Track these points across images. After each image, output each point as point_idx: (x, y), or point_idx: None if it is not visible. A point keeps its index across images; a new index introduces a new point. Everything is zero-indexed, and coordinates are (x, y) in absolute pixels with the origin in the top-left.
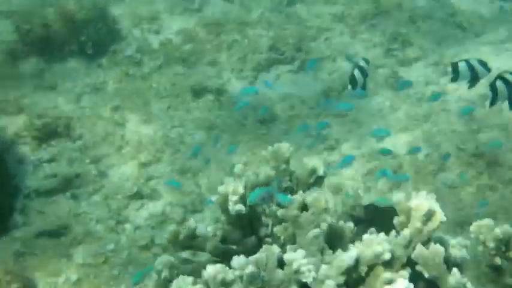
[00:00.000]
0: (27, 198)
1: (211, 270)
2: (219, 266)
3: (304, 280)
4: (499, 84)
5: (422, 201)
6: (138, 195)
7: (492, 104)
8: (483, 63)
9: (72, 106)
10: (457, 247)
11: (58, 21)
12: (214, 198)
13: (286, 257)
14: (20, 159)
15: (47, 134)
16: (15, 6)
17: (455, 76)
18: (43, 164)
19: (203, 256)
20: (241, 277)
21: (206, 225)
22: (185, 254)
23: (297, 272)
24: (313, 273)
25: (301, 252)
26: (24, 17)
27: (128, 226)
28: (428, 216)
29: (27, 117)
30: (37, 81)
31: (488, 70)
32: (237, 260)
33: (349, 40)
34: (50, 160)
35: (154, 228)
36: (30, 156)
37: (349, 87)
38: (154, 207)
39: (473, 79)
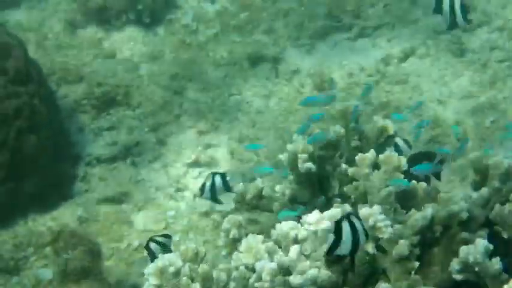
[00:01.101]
0: (88, 166)
1: (284, 226)
2: (291, 222)
3: (380, 236)
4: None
5: (500, 159)
6: (196, 163)
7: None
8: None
9: (131, 75)
10: None
11: None
12: (282, 156)
13: (362, 212)
14: (81, 127)
15: (107, 102)
16: None
17: None
18: (103, 132)
19: (270, 217)
20: (315, 233)
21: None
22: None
23: (373, 227)
24: (390, 229)
25: (377, 208)
26: None
27: (187, 194)
28: (507, 175)
29: (87, 85)
30: (96, 50)
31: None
32: (313, 215)
33: (408, 6)
34: (110, 128)
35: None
36: (91, 124)
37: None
38: None
39: None
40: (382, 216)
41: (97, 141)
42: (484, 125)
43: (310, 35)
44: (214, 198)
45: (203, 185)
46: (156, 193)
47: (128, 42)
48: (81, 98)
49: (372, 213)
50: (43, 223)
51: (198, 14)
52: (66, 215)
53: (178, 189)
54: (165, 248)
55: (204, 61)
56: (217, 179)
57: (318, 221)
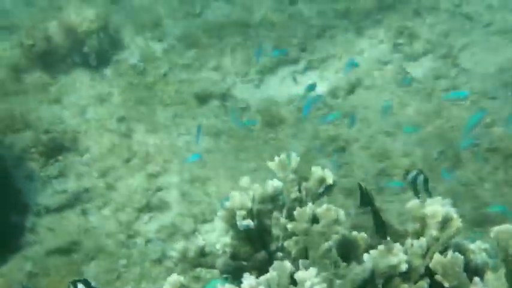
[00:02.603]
0: (37, 216)
1: None
2: (229, 286)
3: None
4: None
5: (437, 208)
6: (147, 207)
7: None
8: None
9: (78, 119)
10: (477, 252)
11: (59, 34)
12: (223, 208)
13: (298, 276)
14: (29, 175)
15: (54, 149)
16: (17, 20)
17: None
18: (52, 179)
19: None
20: None
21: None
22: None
23: None
24: None
25: (312, 271)
26: (26, 32)
27: (138, 240)
28: (445, 222)
29: (34, 132)
30: (42, 95)
31: None
32: (248, 282)
33: (354, 37)
34: (58, 175)
35: (165, 241)
36: (39, 172)
37: None
38: (164, 218)
39: None
40: (317, 280)
41: (46, 189)
42: (431, 156)
43: (258, 70)
44: None
45: None
46: (106, 240)
47: (74, 85)
48: (28, 145)
49: (307, 277)
50: None
51: (145, 53)
52: (14, 271)
53: (129, 236)
54: None
55: (152, 101)
56: None
57: (254, 287)
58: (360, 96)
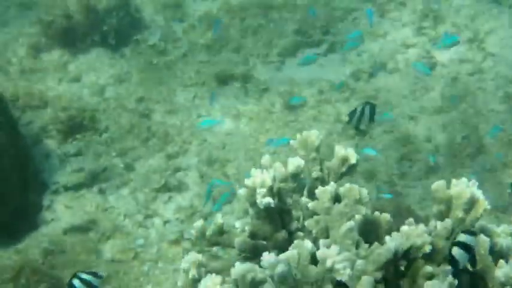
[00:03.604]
0: (54, 194)
1: (240, 269)
2: (248, 264)
3: (339, 278)
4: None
5: (463, 188)
6: (165, 188)
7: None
8: None
9: (97, 98)
10: (503, 236)
11: (80, 12)
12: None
13: (319, 253)
14: (47, 153)
15: (73, 127)
16: None
17: None
18: (70, 158)
19: (233, 252)
20: (272, 276)
21: (236, 217)
22: (215, 250)
23: (332, 269)
24: (348, 271)
25: (335, 248)
26: (46, 9)
27: (156, 220)
28: (471, 204)
29: (52, 110)
30: (61, 73)
31: None
32: (267, 259)
33: (378, 19)
34: (77, 154)
35: (183, 221)
36: (57, 150)
37: None
38: (182, 199)
39: None
40: (340, 257)
41: (63, 168)
42: (455, 141)
43: (279, 52)
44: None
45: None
46: (124, 220)
47: (93, 64)
48: (46, 123)
49: (329, 255)
50: (7, 257)
51: (165, 33)
52: (31, 248)
53: (147, 216)
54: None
55: (172, 82)
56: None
57: (273, 264)
58: (383, 79)
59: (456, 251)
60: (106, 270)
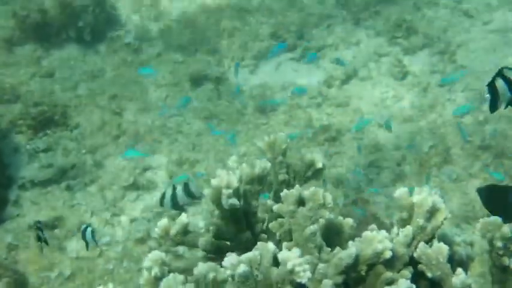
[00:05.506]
0: (21, 189)
1: (202, 268)
2: (210, 264)
3: (298, 280)
4: (499, 83)
5: (425, 197)
6: (134, 186)
7: (493, 108)
8: None
9: (69, 94)
10: (462, 245)
11: (55, 7)
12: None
13: (281, 256)
14: (16, 148)
15: (43, 122)
16: None
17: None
18: (39, 153)
19: (198, 252)
20: (233, 276)
21: (202, 218)
22: (180, 249)
23: (292, 272)
24: (308, 274)
25: (296, 251)
26: (21, 3)
27: (123, 218)
28: (432, 212)
29: (23, 105)
30: (34, 68)
31: None
32: (229, 259)
33: (352, 27)
34: (46, 150)
35: (150, 220)
36: (26, 145)
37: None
38: (150, 198)
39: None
40: (300, 260)
41: (32, 163)
42: (422, 150)
43: (254, 55)
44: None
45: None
46: (91, 218)
47: (67, 60)
48: (16, 118)
49: (290, 257)
50: None
51: (140, 32)
52: None
53: (114, 214)
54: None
55: (145, 81)
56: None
57: (234, 265)
58: (355, 87)
59: (500, 82)
60: (70, 267)
